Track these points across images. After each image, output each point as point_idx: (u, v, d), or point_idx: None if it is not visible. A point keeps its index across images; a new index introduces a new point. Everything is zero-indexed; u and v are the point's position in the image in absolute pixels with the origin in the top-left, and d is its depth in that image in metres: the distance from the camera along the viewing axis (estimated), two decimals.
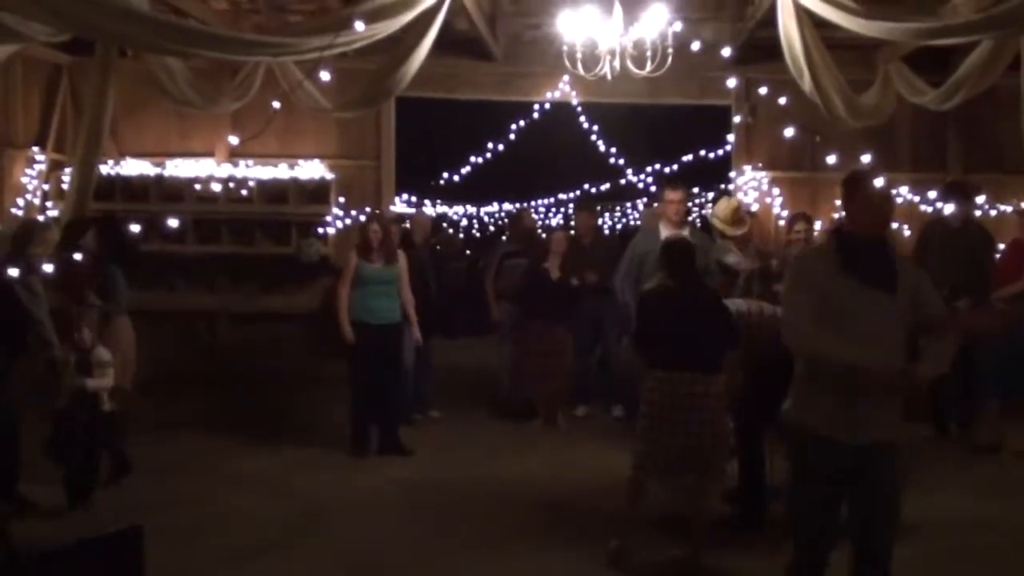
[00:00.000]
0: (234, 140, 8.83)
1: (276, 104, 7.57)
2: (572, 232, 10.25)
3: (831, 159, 8.33)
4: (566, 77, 8.95)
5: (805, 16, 6.94)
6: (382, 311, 7.96)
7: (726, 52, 8.51)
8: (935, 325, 3.99)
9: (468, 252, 15.53)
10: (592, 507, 6.42)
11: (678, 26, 7.38)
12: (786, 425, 4.03)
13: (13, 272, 5.71)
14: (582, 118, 10.39)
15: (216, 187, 9.44)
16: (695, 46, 8.20)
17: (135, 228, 7.70)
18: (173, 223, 8.27)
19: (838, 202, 9.58)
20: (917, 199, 9.61)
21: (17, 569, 3.35)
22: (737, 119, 10.25)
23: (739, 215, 8.11)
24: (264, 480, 7.14)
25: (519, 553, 5.75)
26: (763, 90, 9.19)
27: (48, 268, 5.97)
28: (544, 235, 10.99)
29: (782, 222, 9.98)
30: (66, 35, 5.32)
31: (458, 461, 7.89)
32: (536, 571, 5.49)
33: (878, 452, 3.81)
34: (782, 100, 8.84)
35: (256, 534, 5.94)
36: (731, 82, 9.30)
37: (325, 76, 7.18)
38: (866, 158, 8.41)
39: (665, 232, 7.69)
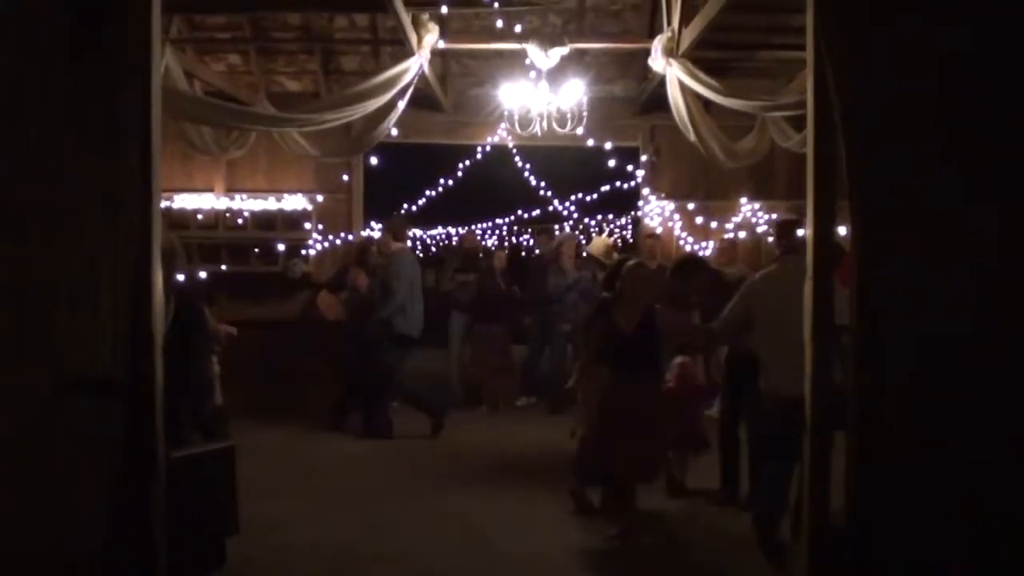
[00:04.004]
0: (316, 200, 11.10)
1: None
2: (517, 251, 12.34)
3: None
4: (503, 125, 10.25)
5: (687, 86, 8.75)
6: None
7: (633, 104, 10.54)
8: None
9: None
10: (527, 463, 8.59)
11: (592, 92, 9.46)
12: None
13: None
14: (516, 157, 12.38)
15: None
16: (609, 100, 10.28)
17: None
18: None
19: (728, 225, 11.78)
20: None
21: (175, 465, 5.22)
22: (644, 157, 12.18)
23: (612, 249, 9.99)
24: (273, 448, 9.01)
25: (476, 490, 7.79)
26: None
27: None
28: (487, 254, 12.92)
29: (682, 242, 12.13)
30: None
31: (421, 435, 9.82)
32: (490, 499, 7.49)
33: None
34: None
35: (274, 481, 7.77)
36: (638, 127, 11.48)
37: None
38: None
39: None
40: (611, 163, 11.24)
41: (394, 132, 9.09)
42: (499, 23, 9.82)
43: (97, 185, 4.29)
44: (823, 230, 4.72)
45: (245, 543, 5.99)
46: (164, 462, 4.57)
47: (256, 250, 11.40)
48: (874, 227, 4.34)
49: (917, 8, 4.23)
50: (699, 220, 12.13)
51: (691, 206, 12.13)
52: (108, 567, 4.27)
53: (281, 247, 11.37)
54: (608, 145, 10.56)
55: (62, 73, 4.25)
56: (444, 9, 8.63)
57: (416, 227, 22.20)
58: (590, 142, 10.31)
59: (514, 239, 23.76)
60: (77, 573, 4.26)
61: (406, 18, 7.90)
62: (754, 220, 11.95)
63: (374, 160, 11.29)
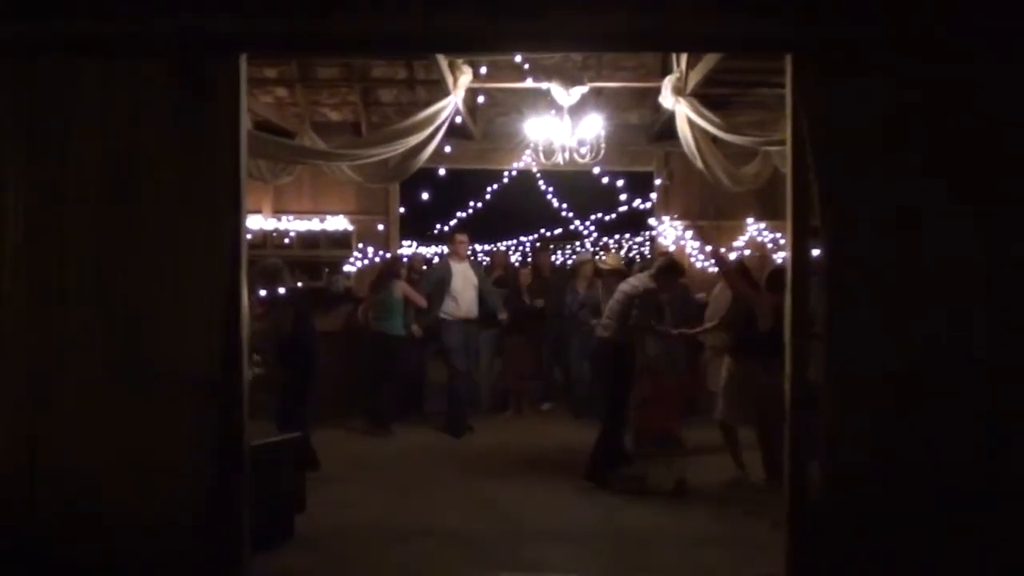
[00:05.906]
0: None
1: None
2: (533, 267, 13.33)
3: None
4: (528, 151, 11.12)
5: (694, 122, 9.47)
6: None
7: (648, 132, 11.46)
8: None
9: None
10: (553, 459, 9.57)
11: (609, 122, 10.43)
12: None
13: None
14: (540, 181, 13.32)
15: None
16: (625, 127, 11.20)
17: None
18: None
19: (734, 244, 12.67)
20: None
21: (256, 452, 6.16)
22: (658, 181, 13.18)
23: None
24: (326, 443, 9.85)
25: (508, 480, 8.84)
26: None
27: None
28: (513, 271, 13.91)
29: (693, 259, 13.04)
30: None
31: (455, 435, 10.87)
32: (520, 488, 8.54)
33: None
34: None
35: (326, 472, 8.68)
36: (652, 153, 12.47)
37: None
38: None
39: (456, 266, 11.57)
40: (622, 197, 12.09)
41: (428, 153, 9.95)
42: (525, 65, 10.77)
43: (199, 215, 5.31)
44: (800, 247, 5.67)
45: (310, 519, 7.08)
46: (248, 450, 5.52)
47: (327, 269, 12.45)
48: (840, 243, 5.28)
49: (879, 70, 5.22)
50: (708, 239, 12.93)
51: (696, 228, 13.07)
52: (204, 534, 5.25)
53: (348, 268, 12.30)
54: (620, 183, 11.48)
55: (174, 126, 5.30)
56: (483, 70, 9.65)
57: (445, 244, 23.37)
58: (604, 180, 11.23)
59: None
60: (181, 539, 5.25)
61: (444, 64, 8.92)
62: (760, 239, 12.84)
63: (413, 186, 12.23)
